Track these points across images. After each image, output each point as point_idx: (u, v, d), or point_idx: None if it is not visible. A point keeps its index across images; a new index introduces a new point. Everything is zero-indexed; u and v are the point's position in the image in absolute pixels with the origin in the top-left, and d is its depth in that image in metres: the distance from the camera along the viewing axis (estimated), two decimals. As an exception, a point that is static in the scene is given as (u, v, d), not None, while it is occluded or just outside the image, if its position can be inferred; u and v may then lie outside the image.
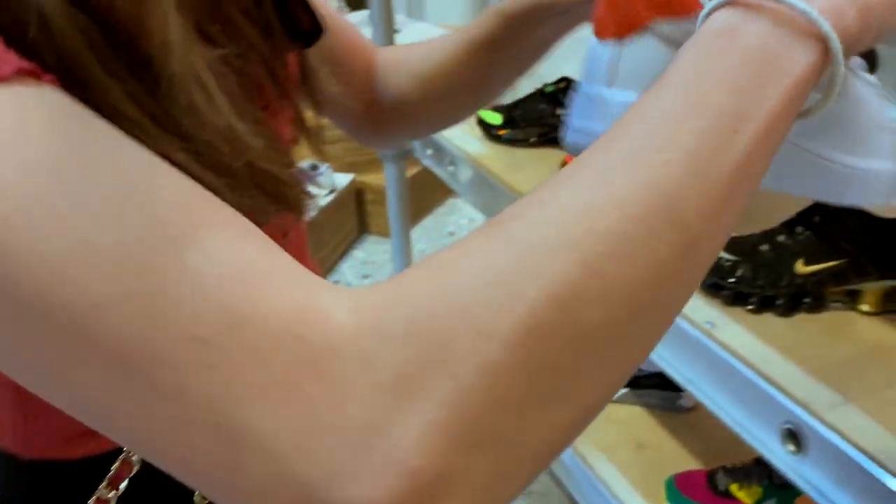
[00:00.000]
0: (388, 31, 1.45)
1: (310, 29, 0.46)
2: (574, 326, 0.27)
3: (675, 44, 0.38)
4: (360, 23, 2.74)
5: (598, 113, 0.43)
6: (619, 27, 0.40)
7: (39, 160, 0.26)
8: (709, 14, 0.35)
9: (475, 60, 0.63)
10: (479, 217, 2.55)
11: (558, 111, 1.38)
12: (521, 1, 0.59)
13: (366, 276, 2.55)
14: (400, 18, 2.94)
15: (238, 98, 0.35)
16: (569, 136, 0.46)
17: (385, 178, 1.68)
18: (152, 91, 0.30)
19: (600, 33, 0.42)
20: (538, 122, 1.38)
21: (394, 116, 0.69)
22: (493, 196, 1.29)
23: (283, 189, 0.38)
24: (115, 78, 0.30)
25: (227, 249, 0.28)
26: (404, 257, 1.77)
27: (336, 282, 2.53)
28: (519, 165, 1.30)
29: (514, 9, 0.59)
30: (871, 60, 0.57)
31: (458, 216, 2.89)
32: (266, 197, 0.35)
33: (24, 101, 0.27)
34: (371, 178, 2.71)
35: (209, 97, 0.32)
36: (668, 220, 0.29)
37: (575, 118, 0.45)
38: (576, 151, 0.44)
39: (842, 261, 0.82)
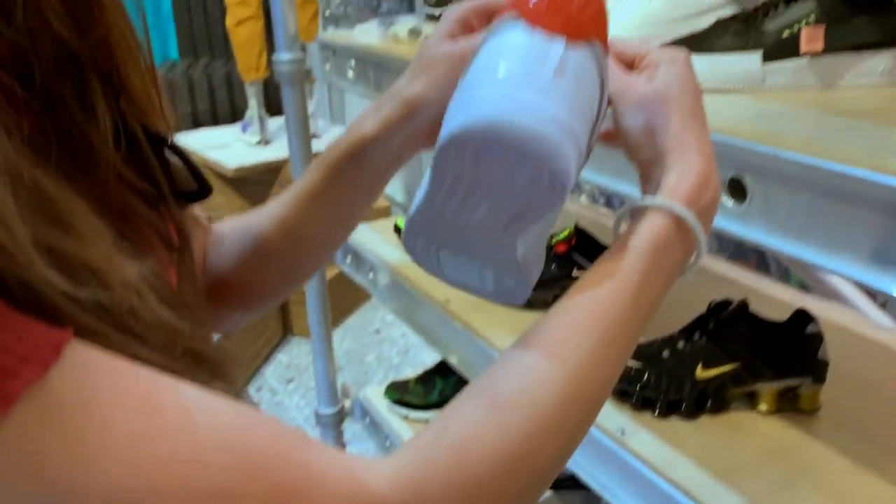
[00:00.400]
0: (303, 138, 1.48)
1: (194, 190, 0.48)
2: (548, 480, 0.43)
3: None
4: (278, 128, 2.79)
5: (551, 96, 0.41)
6: (568, 29, 0.42)
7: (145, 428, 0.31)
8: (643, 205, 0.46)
9: (302, 216, 0.61)
10: (403, 315, 2.56)
11: (472, 217, 1.42)
12: (340, 145, 0.57)
13: (290, 380, 2.51)
14: (321, 123, 3.01)
15: (161, 289, 0.38)
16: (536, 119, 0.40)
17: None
18: (99, 302, 0.33)
19: (543, 24, 0.41)
20: None
21: (224, 289, 0.64)
22: (411, 302, 1.31)
23: (215, 364, 0.41)
24: (71, 298, 0.31)
25: (288, 455, 0.35)
26: (327, 360, 1.75)
27: (259, 388, 2.47)
28: (436, 272, 1.33)
29: (333, 155, 0.58)
30: (740, 190, 0.63)
31: (383, 313, 2.89)
32: (204, 374, 0.37)
33: (83, 366, 0.31)
34: (294, 280, 2.71)
35: (144, 300, 0.36)
36: (607, 394, 0.45)
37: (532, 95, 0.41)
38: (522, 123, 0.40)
39: (737, 364, 0.86)
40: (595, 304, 0.43)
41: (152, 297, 0.36)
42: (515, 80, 0.41)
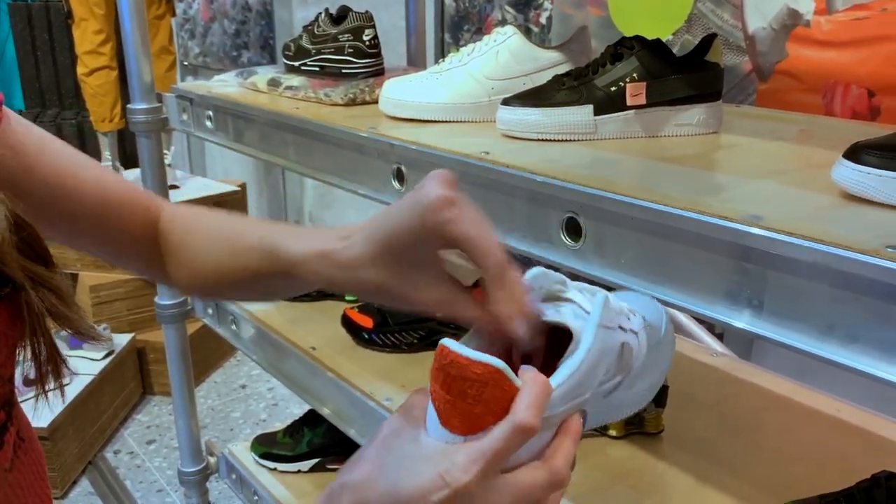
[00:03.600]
0: (160, 189, 1.45)
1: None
2: None
3: None
4: (135, 180, 2.71)
5: None
6: (466, 428, 0.43)
7: None
8: None
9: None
10: (270, 368, 2.51)
11: (337, 265, 1.44)
12: (268, 249, 0.58)
13: (151, 442, 2.39)
14: (181, 174, 2.94)
15: None
16: None
17: (164, 339, 1.63)
18: None
19: (449, 426, 0.43)
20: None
21: (190, 273, 0.67)
22: (277, 352, 1.30)
23: None
24: None
25: None
26: (188, 418, 1.69)
27: (118, 451, 2.34)
28: (300, 320, 1.33)
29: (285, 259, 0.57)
30: (576, 230, 0.68)
31: (250, 367, 2.82)
32: None
33: None
34: (152, 336, 2.60)
35: None
36: None
37: None
38: None
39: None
40: None
41: None
42: None
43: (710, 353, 1.18)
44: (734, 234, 0.57)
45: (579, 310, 0.49)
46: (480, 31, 2.15)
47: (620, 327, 0.49)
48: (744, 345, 1.56)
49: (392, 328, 1.21)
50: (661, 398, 0.93)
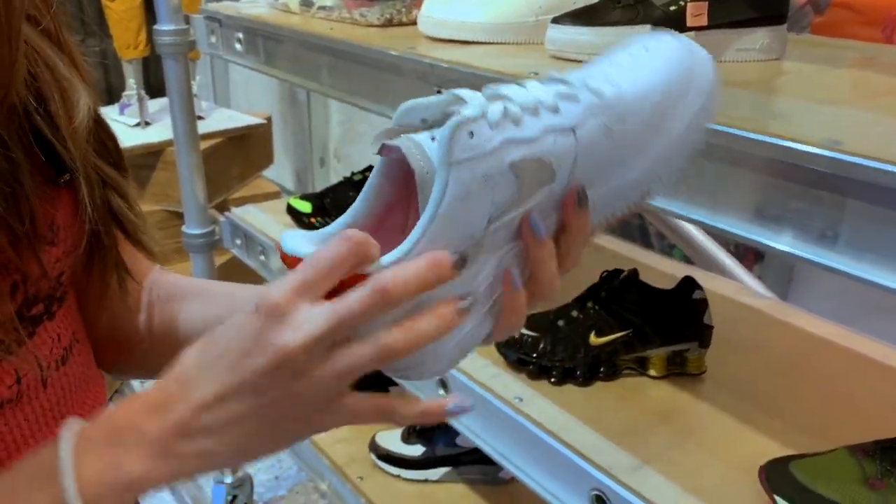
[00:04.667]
0: (188, 115, 1.42)
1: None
2: None
3: None
4: (159, 110, 2.67)
5: None
6: None
7: None
8: None
9: None
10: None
11: (367, 197, 1.41)
12: None
13: (177, 371, 2.42)
14: (206, 105, 2.90)
15: None
16: None
17: (192, 270, 1.61)
18: None
19: None
20: (348, 209, 1.41)
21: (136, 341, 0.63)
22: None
23: None
24: None
25: None
26: (217, 350, 1.70)
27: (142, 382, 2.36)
28: (330, 252, 1.30)
29: None
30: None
31: (274, 302, 2.83)
32: None
33: None
34: (179, 270, 2.60)
35: None
36: None
37: None
38: None
39: (628, 331, 0.89)
40: None
41: None
42: None
43: (755, 295, 1.14)
44: (810, 159, 0.52)
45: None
46: (517, -42, 2.06)
47: (508, 141, 0.40)
48: (781, 287, 1.52)
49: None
50: (705, 338, 0.90)
